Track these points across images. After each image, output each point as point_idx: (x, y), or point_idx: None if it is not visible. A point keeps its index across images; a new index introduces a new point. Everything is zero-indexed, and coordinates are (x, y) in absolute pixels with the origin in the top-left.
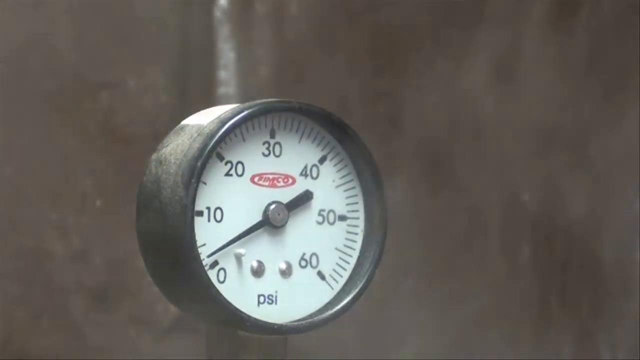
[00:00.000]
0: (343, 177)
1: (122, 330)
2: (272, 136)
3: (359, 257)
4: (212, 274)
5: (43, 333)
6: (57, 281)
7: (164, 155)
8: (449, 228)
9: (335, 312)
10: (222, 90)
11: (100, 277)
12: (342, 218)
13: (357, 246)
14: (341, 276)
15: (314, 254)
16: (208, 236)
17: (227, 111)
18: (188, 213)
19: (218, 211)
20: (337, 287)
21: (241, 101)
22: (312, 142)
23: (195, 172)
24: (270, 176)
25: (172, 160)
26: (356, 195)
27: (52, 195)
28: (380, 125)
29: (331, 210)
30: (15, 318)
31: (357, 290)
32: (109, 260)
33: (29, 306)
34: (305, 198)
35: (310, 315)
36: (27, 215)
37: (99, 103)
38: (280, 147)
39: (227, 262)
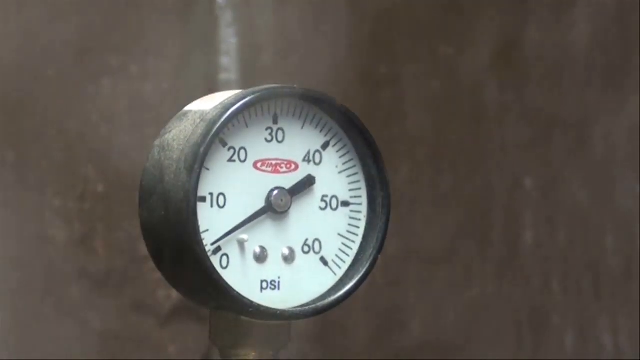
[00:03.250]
0: (346, 162)
1: (124, 316)
2: (275, 122)
3: (361, 243)
4: (215, 260)
5: (46, 318)
6: (59, 267)
7: (166, 141)
8: (450, 213)
9: (338, 297)
10: (224, 76)
11: (102, 263)
12: (345, 204)
13: (360, 232)
14: (344, 262)
15: (316, 239)
16: (211, 222)
17: (229, 97)
18: (191, 199)
19: (221, 197)
20: (340, 272)
21: (243, 87)
22: (315, 127)
23: (198, 158)
24: (273, 162)
25: (175, 146)
26: (359, 181)
27: (55, 180)
28: (381, 111)
29: (334, 196)
30: (16, 304)
31: (360, 275)
32: (111, 245)
33: (30, 292)
34: (307, 183)
35: (314, 301)
36: (29, 200)
37: (101, 89)
38: (283, 132)
39: (230, 248)
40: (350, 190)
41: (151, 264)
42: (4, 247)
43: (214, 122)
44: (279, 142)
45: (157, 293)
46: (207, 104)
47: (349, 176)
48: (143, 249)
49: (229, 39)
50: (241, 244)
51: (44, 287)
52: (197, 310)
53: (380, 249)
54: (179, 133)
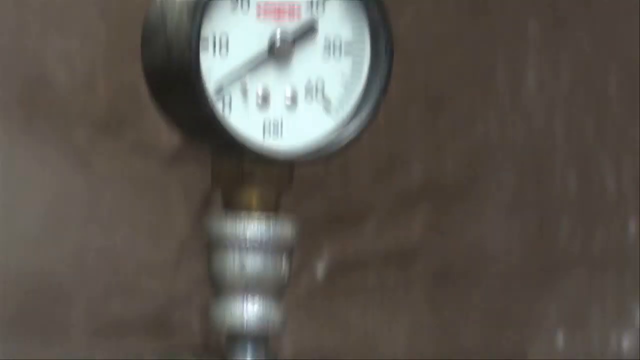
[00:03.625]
0: (349, 6)
1: (127, 158)
2: None
3: (365, 88)
4: (216, 103)
5: (48, 160)
6: (61, 110)
7: None
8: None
9: (341, 142)
10: None
11: (104, 106)
12: (348, 48)
13: (363, 76)
14: (347, 106)
15: (319, 84)
16: (213, 65)
17: None
18: (194, 42)
19: (224, 40)
20: (343, 117)
21: None
22: None
23: (201, 1)
24: (277, 5)
25: None
26: (362, 25)
27: (56, 23)
28: None
29: (337, 40)
30: (18, 145)
31: (363, 120)
32: (114, 88)
33: (32, 135)
34: (310, 27)
35: (316, 146)
36: (30, 43)
37: None
38: None
39: (233, 92)
40: (353, 34)
41: (154, 107)
42: (5, 89)
43: None
44: None
45: (160, 135)
46: None
47: (352, 20)
48: (145, 91)
49: None
50: (243, 87)
51: (47, 130)
52: (199, 153)
53: (383, 93)
54: None
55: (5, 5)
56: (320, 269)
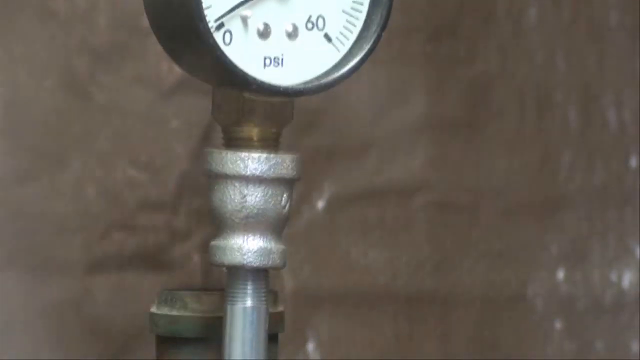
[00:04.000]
0: None
1: (127, 90)
2: None
3: (365, 20)
4: (217, 36)
5: (48, 92)
6: (61, 41)
7: None
8: None
9: (342, 74)
10: None
11: (105, 37)
12: None
13: (364, 8)
14: (348, 38)
15: (320, 16)
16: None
17: None
18: None
19: None
20: (344, 49)
21: None
22: None
23: None
24: None
25: None
26: None
27: None
28: None
29: None
30: (19, 76)
31: (363, 52)
32: (114, 19)
33: (33, 64)
34: None
35: (317, 78)
36: None
37: None
38: None
39: (233, 24)
40: None
41: (154, 38)
42: (5, 19)
43: None
44: None
45: (160, 67)
46: None
47: None
48: (146, 22)
49: None
50: (244, 20)
51: (47, 61)
52: (200, 84)
53: (384, 26)
54: None
55: None
56: (320, 204)
